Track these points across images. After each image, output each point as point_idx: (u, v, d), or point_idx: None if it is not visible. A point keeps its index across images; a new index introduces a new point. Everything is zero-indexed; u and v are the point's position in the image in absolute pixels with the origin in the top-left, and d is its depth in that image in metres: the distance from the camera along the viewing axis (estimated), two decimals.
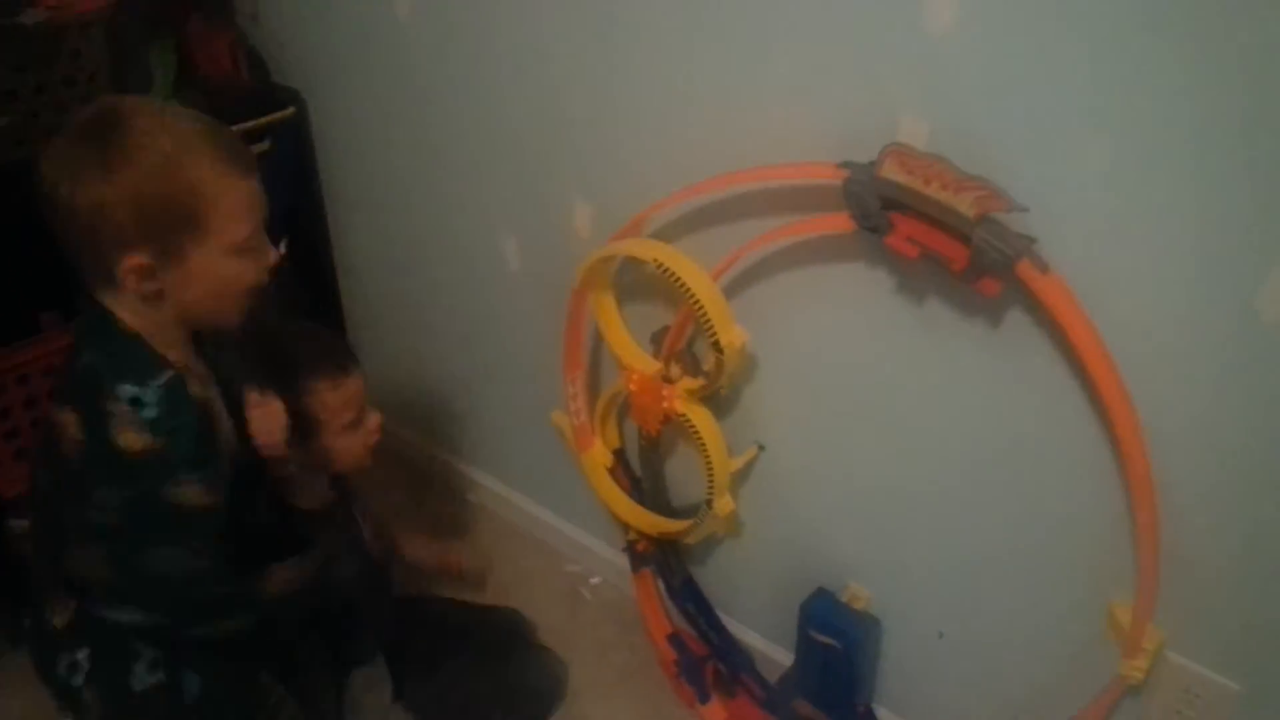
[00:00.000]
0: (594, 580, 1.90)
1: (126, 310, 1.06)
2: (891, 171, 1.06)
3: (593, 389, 1.66)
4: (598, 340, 1.62)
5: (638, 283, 1.52)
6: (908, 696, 1.51)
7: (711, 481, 1.43)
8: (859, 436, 1.38)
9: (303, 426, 1.33)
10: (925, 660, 1.46)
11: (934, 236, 1.07)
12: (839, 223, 1.15)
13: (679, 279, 1.29)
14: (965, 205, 1.02)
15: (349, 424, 1.39)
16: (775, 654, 1.64)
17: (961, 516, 1.32)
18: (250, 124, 1.78)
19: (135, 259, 1.01)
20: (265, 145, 1.83)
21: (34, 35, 1.51)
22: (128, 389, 1.02)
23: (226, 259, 1.05)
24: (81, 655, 1.18)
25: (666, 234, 1.42)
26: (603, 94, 1.43)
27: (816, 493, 1.47)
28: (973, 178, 1.03)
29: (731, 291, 1.37)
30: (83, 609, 1.16)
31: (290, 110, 1.86)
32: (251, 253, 1.08)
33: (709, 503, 1.45)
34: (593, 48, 1.40)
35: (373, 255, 2.04)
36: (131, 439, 1.01)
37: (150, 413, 1.02)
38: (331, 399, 1.36)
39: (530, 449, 1.92)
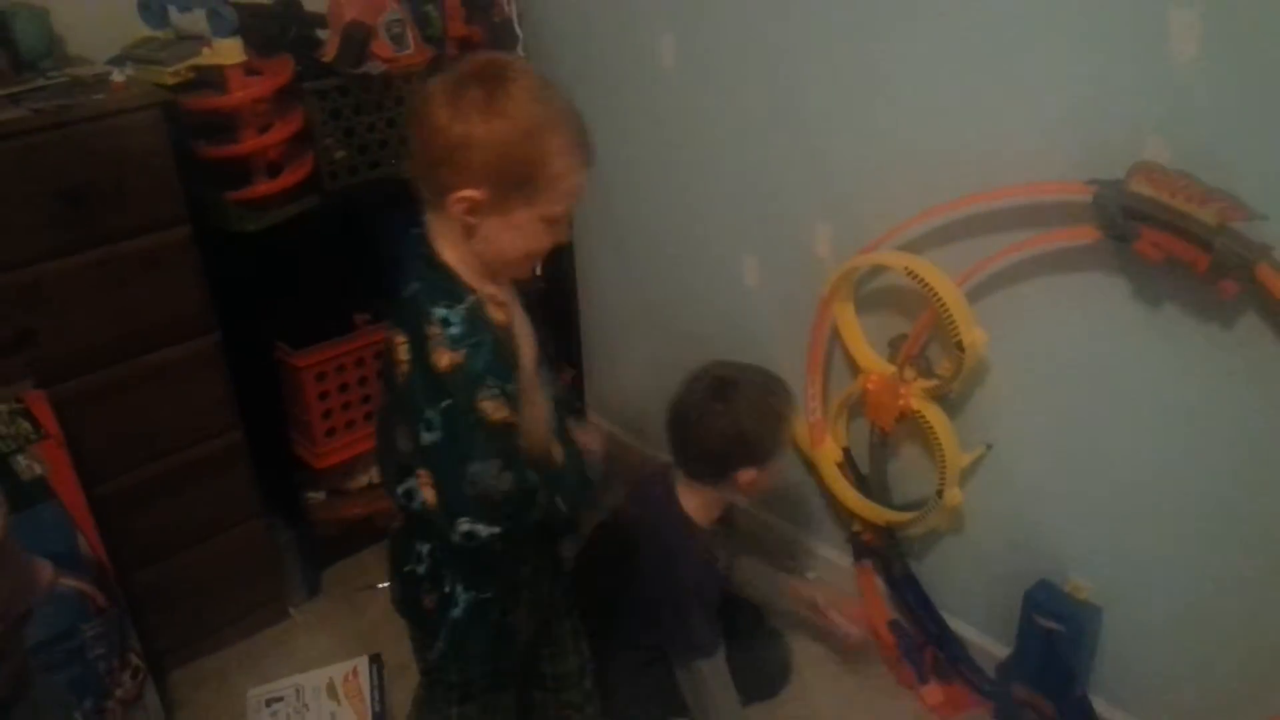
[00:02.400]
0: (810, 575, 2.06)
1: (444, 238, 1.16)
2: (1141, 185, 1.21)
3: (826, 392, 1.84)
4: (831, 348, 1.80)
5: (872, 293, 1.70)
6: (1124, 686, 1.60)
7: (944, 474, 1.58)
8: (1086, 438, 1.50)
9: (770, 450, 1.61)
10: (1143, 651, 1.55)
11: (1177, 244, 1.21)
12: (1084, 234, 1.31)
13: (928, 284, 1.47)
14: (1209, 215, 1.16)
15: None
16: (990, 646, 1.75)
17: (1185, 510, 1.42)
18: None
19: (470, 192, 1.10)
20: None
21: (373, 84, 1.84)
22: (439, 311, 1.11)
23: (537, 224, 1.13)
24: (424, 548, 1.30)
25: (911, 247, 1.59)
26: (850, 127, 1.63)
27: (1041, 491, 1.60)
28: (1215, 191, 1.18)
29: (970, 298, 1.52)
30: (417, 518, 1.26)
31: None
32: (556, 227, 1.16)
33: (940, 493, 1.60)
34: (842, 84, 1.60)
35: (618, 272, 2.29)
36: (442, 356, 1.10)
37: (454, 330, 1.10)
38: (793, 426, 1.66)
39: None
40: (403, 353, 1.15)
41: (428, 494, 1.19)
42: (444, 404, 1.12)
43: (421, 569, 1.31)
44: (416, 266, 1.18)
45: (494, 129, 1.07)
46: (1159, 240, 1.22)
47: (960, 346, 1.47)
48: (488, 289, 1.17)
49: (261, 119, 1.74)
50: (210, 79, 1.69)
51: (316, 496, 2.15)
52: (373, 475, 2.17)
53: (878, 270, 1.66)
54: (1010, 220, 1.45)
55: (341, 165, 1.88)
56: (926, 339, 1.61)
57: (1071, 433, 1.52)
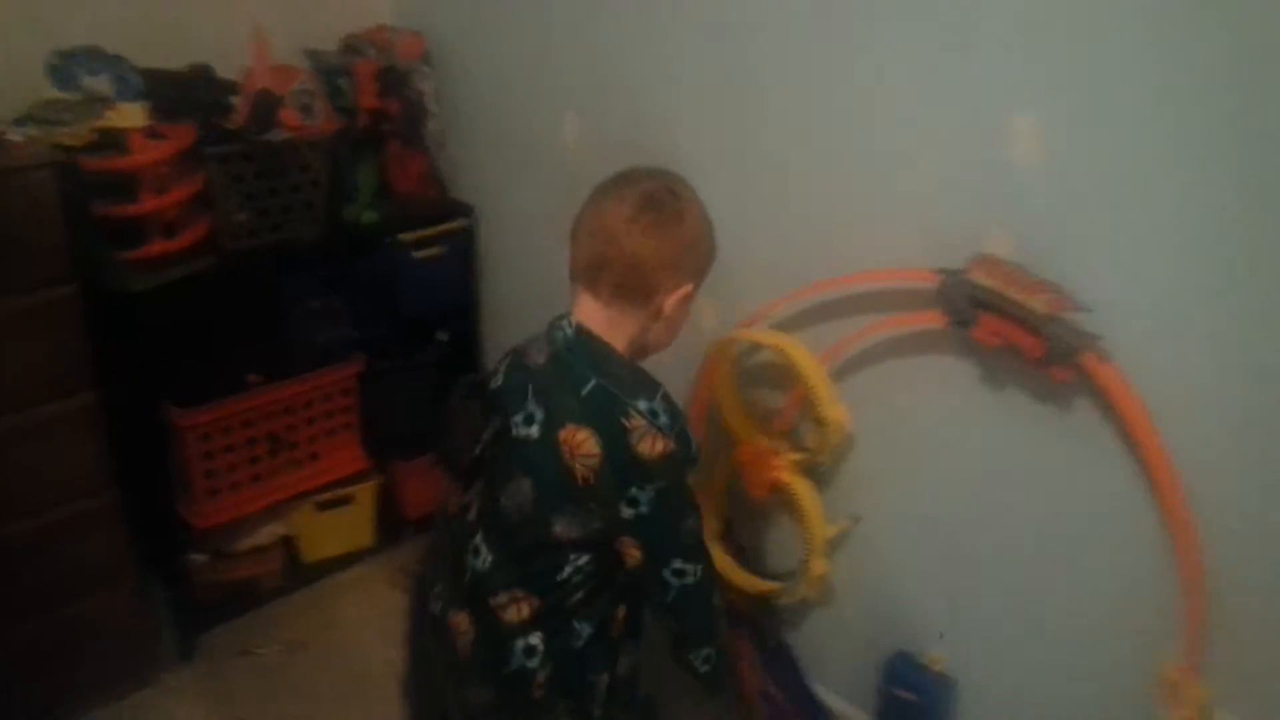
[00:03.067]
0: None
1: (617, 332, 1.32)
2: (979, 276, 1.32)
3: (710, 464, 1.89)
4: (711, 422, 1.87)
5: (751, 369, 1.79)
6: None
7: (810, 544, 1.64)
8: (943, 513, 1.58)
9: None
10: None
11: (1013, 331, 1.31)
12: (932, 319, 1.41)
13: (793, 361, 1.55)
14: (1039, 305, 1.27)
15: None
16: (856, 716, 1.80)
17: (1031, 585, 1.50)
18: (431, 230, 2.13)
19: (686, 289, 1.33)
20: (438, 250, 2.18)
21: (278, 151, 1.89)
22: (642, 404, 1.24)
23: (689, 305, 1.38)
24: (535, 639, 1.32)
25: (783, 325, 1.68)
26: (732, 205, 1.71)
27: (902, 564, 1.67)
28: (1046, 283, 1.28)
29: (837, 376, 1.61)
30: (542, 604, 1.32)
31: (463, 222, 2.21)
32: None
33: (804, 564, 1.66)
34: (726, 170, 1.70)
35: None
36: (655, 444, 1.22)
37: (663, 420, 1.24)
38: None
39: None
40: (590, 445, 1.23)
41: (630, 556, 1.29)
42: (659, 485, 1.24)
43: (534, 661, 1.33)
44: (595, 362, 1.28)
45: (695, 231, 1.33)
46: (996, 327, 1.32)
47: (823, 421, 1.55)
48: None
49: (161, 181, 1.78)
50: (113, 141, 1.72)
51: (199, 558, 2.13)
52: (258, 539, 2.16)
53: (755, 347, 1.74)
54: (871, 303, 1.55)
55: (242, 228, 1.91)
56: (798, 413, 1.69)
57: (930, 508, 1.60)
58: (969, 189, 1.38)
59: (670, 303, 1.31)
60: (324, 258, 2.05)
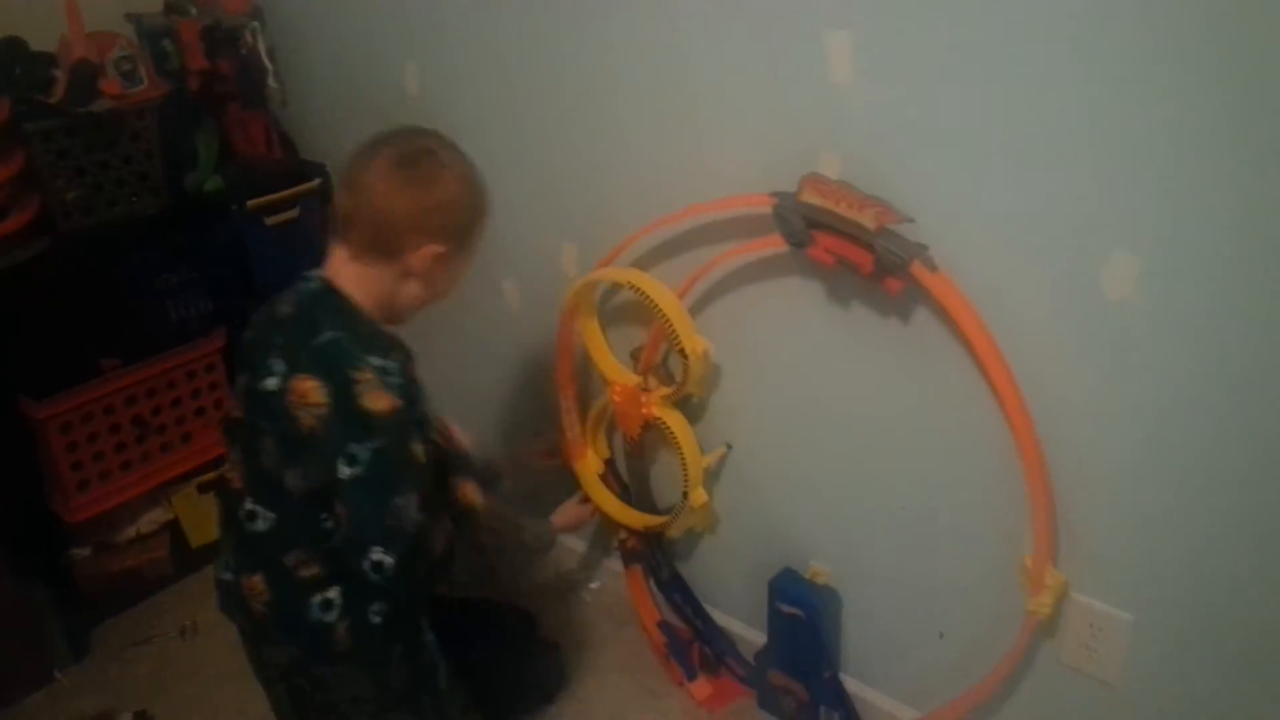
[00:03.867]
0: (593, 585, 2.11)
1: (360, 288, 1.30)
2: (809, 196, 1.31)
3: (583, 406, 1.89)
4: (584, 363, 1.86)
5: (616, 308, 1.77)
6: (869, 664, 1.71)
7: (687, 476, 1.65)
8: (810, 431, 1.61)
9: None
10: (881, 630, 1.66)
11: (846, 248, 1.31)
12: (774, 243, 1.40)
13: (648, 297, 1.54)
14: (868, 219, 1.27)
15: None
16: (754, 637, 1.84)
17: (898, 494, 1.54)
18: (281, 194, 2.06)
19: (436, 248, 1.30)
20: (294, 213, 2.10)
21: (102, 122, 1.80)
22: (375, 359, 1.23)
23: (463, 270, 1.38)
24: (333, 593, 1.32)
25: (640, 264, 1.67)
26: (581, 150, 1.69)
27: (777, 484, 1.69)
28: (873, 198, 1.29)
29: (695, 310, 1.61)
30: (329, 558, 1.30)
31: (316, 182, 2.13)
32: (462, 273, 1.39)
33: (685, 495, 1.67)
34: (574, 111, 1.67)
35: None
36: (380, 400, 1.21)
37: (394, 379, 1.23)
38: None
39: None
40: (317, 395, 1.21)
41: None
42: (376, 443, 1.22)
43: (331, 615, 1.33)
44: (333, 316, 1.27)
45: (448, 193, 1.30)
46: (830, 245, 1.32)
47: (683, 354, 1.54)
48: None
49: None
50: None
51: (81, 553, 2.06)
52: (140, 526, 2.10)
53: (619, 285, 1.73)
54: (720, 233, 1.54)
55: (75, 206, 1.83)
56: (664, 349, 1.69)
57: (796, 428, 1.62)
58: (796, 111, 1.37)
59: (419, 261, 1.30)
60: (170, 230, 1.96)
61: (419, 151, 1.30)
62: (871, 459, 1.54)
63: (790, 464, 1.66)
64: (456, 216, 1.33)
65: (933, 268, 1.28)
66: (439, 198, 1.30)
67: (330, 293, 1.30)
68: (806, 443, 1.62)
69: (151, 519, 2.11)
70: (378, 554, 1.24)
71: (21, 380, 1.88)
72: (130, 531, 2.09)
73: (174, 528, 2.13)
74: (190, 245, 1.99)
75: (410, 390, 1.27)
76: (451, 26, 1.81)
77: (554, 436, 1.92)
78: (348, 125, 2.11)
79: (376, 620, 1.34)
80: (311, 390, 1.21)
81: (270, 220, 2.05)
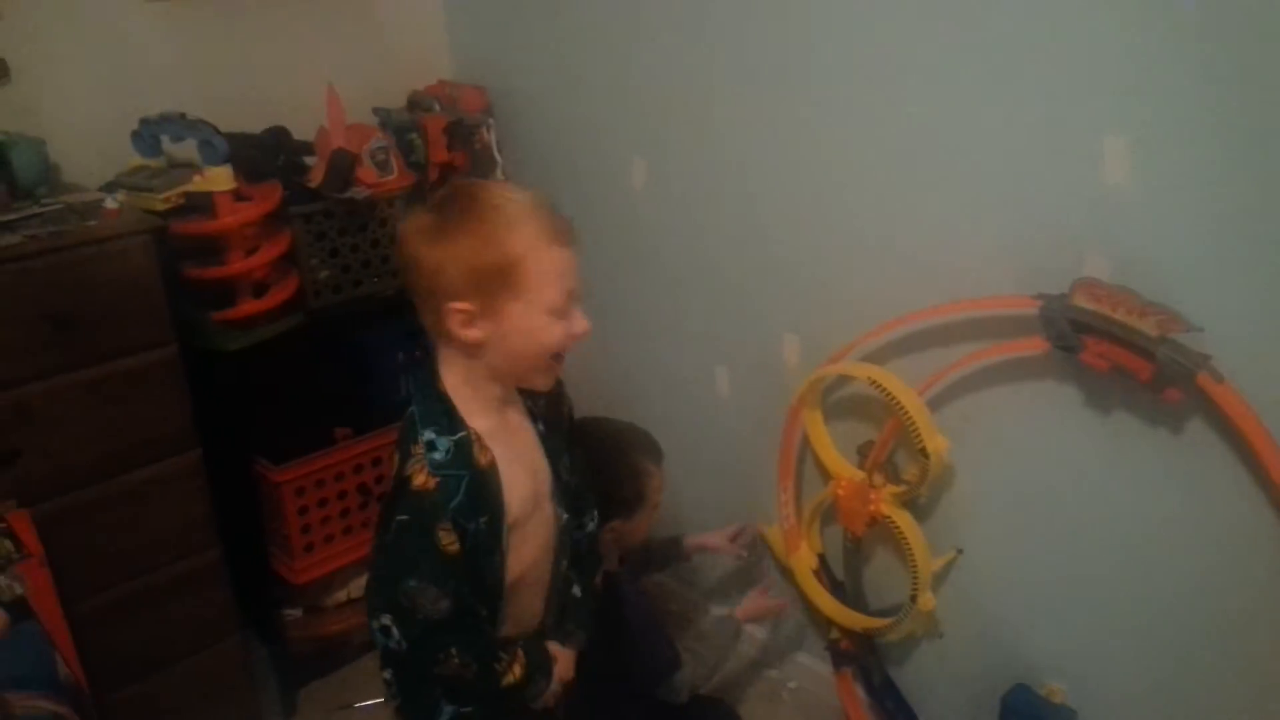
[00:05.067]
0: (791, 684, 2.06)
1: (447, 368, 1.21)
2: (1083, 299, 1.29)
3: (798, 499, 1.87)
4: (803, 455, 1.85)
5: (840, 402, 1.76)
6: None
7: (916, 578, 1.61)
8: (1052, 541, 1.54)
9: (630, 503, 1.65)
10: None
11: (1121, 354, 1.27)
12: (1033, 345, 1.37)
13: (890, 393, 1.52)
14: (1149, 326, 1.23)
15: (658, 504, 1.69)
16: None
17: (1150, 612, 1.45)
18: None
19: (460, 305, 1.15)
20: None
21: (358, 208, 1.92)
22: (428, 434, 1.17)
23: (539, 316, 1.16)
24: (388, 675, 1.32)
25: (873, 357, 1.66)
26: (813, 244, 1.71)
27: (1011, 594, 1.63)
28: (1153, 304, 1.25)
29: (933, 406, 1.58)
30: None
31: None
32: (562, 316, 1.18)
33: (913, 598, 1.62)
34: (807, 203, 1.70)
35: (593, 390, 2.34)
36: (419, 475, 1.16)
37: (438, 456, 1.17)
38: (659, 481, 1.69)
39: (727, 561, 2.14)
40: (394, 468, 1.22)
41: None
42: (403, 516, 1.18)
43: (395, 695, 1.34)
44: (419, 391, 1.24)
45: (459, 242, 1.14)
46: (1104, 351, 1.28)
47: (924, 453, 1.52)
48: (492, 424, 1.23)
49: (249, 242, 1.81)
50: (200, 204, 1.76)
51: (293, 613, 2.14)
52: (350, 591, 2.17)
53: (845, 379, 1.72)
54: (967, 331, 1.52)
55: (326, 284, 1.95)
56: (893, 445, 1.66)
57: (1037, 537, 1.56)
58: (1063, 213, 1.35)
59: (456, 326, 1.16)
60: (402, 311, 2.06)
61: (432, 206, 1.19)
62: (1125, 574, 1.46)
63: (1026, 573, 1.59)
64: (475, 264, 1.14)
65: (1218, 379, 1.23)
66: (446, 251, 1.14)
67: (423, 366, 1.26)
68: (1047, 552, 1.55)
69: (361, 584, 2.17)
70: (386, 619, 1.22)
71: (262, 444, 1.99)
72: (341, 595, 2.16)
73: None
74: (420, 326, 2.08)
75: (455, 474, 1.17)
76: (679, 122, 1.87)
77: (749, 527, 1.91)
78: (570, 214, 2.19)
79: (387, 677, 1.33)
80: (393, 462, 1.23)
81: None
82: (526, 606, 1.36)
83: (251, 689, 2.01)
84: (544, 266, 1.16)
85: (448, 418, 1.20)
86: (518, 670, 1.31)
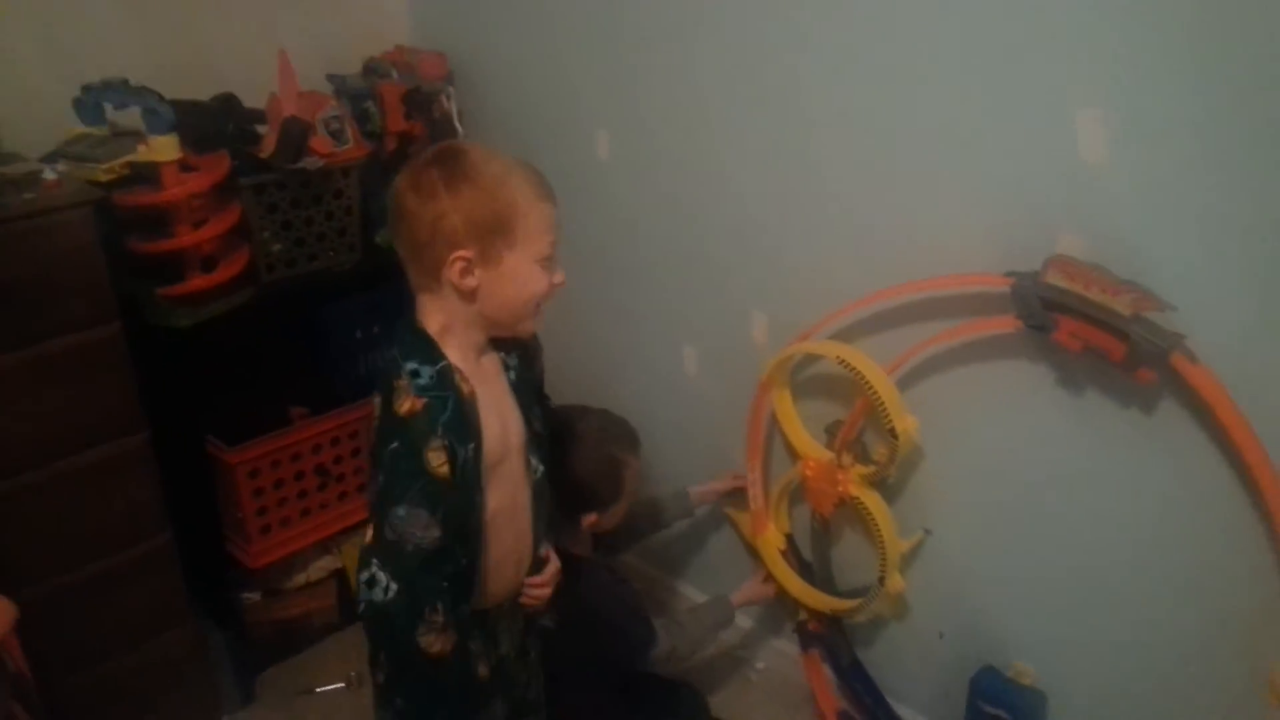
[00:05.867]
0: (759, 665, 2.03)
1: (431, 314, 1.24)
2: (1055, 278, 1.25)
3: (767, 479, 1.84)
4: (771, 434, 1.81)
5: (809, 381, 1.72)
6: None
7: (884, 560, 1.58)
8: (1022, 522, 1.52)
9: (606, 496, 1.62)
10: None
11: (1094, 333, 1.24)
12: (1005, 323, 1.34)
13: (859, 372, 1.49)
14: (1122, 305, 1.20)
15: (634, 493, 1.67)
16: None
17: (1121, 594, 1.44)
18: None
19: (461, 253, 1.19)
20: None
21: (311, 179, 1.85)
22: (411, 364, 1.21)
23: (530, 266, 1.23)
24: (370, 645, 1.34)
25: (842, 336, 1.62)
26: (781, 220, 1.67)
27: (981, 576, 1.61)
28: (1127, 282, 1.22)
29: (902, 386, 1.55)
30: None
31: None
32: (548, 266, 1.25)
33: (881, 580, 1.60)
34: (775, 176, 1.65)
35: (560, 368, 2.29)
36: (405, 402, 1.19)
37: (422, 381, 1.20)
38: (637, 469, 1.67)
39: (700, 543, 2.11)
40: (376, 409, 1.24)
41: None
42: (393, 444, 1.20)
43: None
44: (400, 335, 1.27)
45: (462, 194, 1.19)
46: (1076, 330, 1.25)
47: (893, 433, 1.48)
48: (470, 365, 1.26)
49: (196, 214, 1.74)
50: (145, 175, 1.69)
51: (251, 597, 2.09)
52: (310, 574, 2.12)
53: (813, 357, 1.68)
54: (937, 310, 1.48)
55: (278, 258, 1.88)
56: (862, 425, 1.63)
57: (1007, 518, 1.54)
58: (1037, 189, 1.32)
59: (454, 274, 1.20)
60: (360, 285, 2.00)
61: (428, 163, 1.22)
62: (1095, 555, 1.45)
63: (997, 555, 1.57)
64: (475, 215, 1.19)
65: (1193, 359, 1.20)
66: (449, 203, 1.19)
67: (406, 325, 1.27)
68: (1019, 534, 1.53)
69: (321, 566, 2.12)
70: (373, 566, 1.24)
71: (214, 424, 1.93)
72: (300, 578, 2.11)
73: (341, 576, 2.15)
74: (379, 300, 2.03)
75: (440, 395, 1.20)
76: (645, 93, 1.81)
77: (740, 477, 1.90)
78: None
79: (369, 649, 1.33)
80: (374, 406, 1.25)
81: None
82: (504, 561, 1.34)
83: (208, 675, 1.96)
84: (534, 219, 1.22)
85: (429, 351, 1.23)
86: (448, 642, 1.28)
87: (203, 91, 1.89)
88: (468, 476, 1.23)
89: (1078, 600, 1.49)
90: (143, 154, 1.67)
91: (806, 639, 1.83)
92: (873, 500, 1.59)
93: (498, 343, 1.31)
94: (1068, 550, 1.48)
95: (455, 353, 1.25)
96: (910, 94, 1.42)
